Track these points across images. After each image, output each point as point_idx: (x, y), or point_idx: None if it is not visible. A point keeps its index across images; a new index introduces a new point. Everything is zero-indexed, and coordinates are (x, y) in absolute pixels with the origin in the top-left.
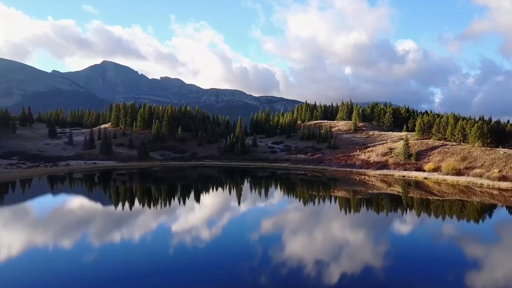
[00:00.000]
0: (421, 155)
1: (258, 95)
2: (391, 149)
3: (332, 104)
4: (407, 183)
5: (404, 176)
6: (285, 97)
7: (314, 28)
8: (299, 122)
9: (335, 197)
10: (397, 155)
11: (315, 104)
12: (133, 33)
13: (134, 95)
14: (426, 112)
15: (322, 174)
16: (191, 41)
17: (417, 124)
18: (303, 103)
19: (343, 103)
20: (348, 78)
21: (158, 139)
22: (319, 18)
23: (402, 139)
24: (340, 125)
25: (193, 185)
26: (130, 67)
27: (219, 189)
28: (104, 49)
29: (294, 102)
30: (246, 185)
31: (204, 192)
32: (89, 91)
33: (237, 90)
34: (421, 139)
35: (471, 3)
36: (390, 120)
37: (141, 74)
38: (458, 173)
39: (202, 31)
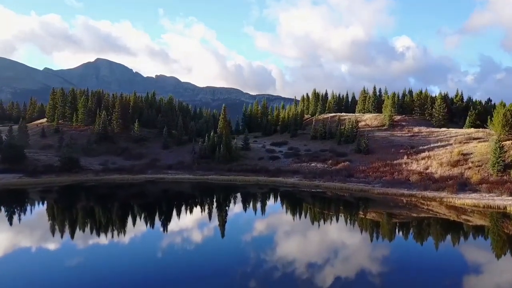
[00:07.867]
0: None
1: (255, 94)
2: (464, 155)
3: (347, 94)
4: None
5: None
6: (282, 95)
7: (308, 24)
8: (306, 116)
9: None
10: (479, 166)
11: (326, 93)
12: (123, 29)
13: (129, 93)
14: (490, 100)
15: (351, 194)
16: (183, 38)
17: (496, 118)
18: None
19: (364, 90)
20: (345, 76)
21: (105, 139)
22: (313, 13)
23: (477, 139)
24: (368, 119)
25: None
26: (124, 64)
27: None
28: (94, 46)
29: (292, 100)
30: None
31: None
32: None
33: (234, 88)
34: (511, 140)
35: None
36: (443, 111)
37: (136, 72)
38: None
39: (193, 27)
